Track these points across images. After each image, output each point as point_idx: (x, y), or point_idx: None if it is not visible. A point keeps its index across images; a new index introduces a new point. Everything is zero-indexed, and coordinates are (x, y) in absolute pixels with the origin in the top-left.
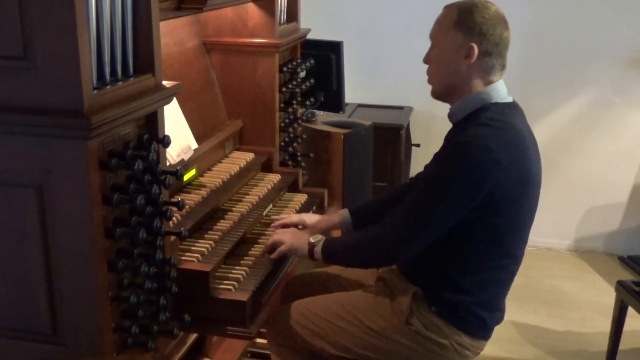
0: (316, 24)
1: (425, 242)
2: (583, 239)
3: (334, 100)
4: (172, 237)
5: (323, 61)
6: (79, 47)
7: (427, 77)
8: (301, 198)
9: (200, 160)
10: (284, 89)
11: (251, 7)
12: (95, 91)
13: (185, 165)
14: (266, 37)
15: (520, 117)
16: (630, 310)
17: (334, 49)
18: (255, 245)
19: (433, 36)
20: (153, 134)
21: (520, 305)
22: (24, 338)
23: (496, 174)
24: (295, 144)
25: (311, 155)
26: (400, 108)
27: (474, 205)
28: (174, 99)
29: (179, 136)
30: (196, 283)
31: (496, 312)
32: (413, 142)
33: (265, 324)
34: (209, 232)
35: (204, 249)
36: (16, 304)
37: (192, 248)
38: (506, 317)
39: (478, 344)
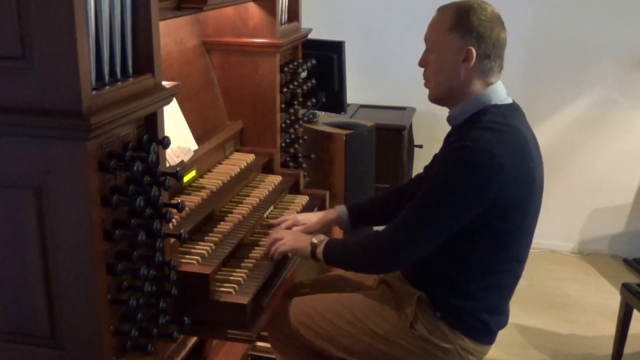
0: (318, 24)
1: (427, 249)
2: (587, 241)
3: (335, 100)
4: (172, 240)
5: (325, 61)
6: (77, 47)
7: (424, 81)
8: (302, 200)
9: (200, 162)
10: (285, 90)
11: (252, 7)
12: (94, 91)
13: (185, 166)
14: (267, 37)
15: (522, 118)
16: (636, 313)
17: (335, 49)
18: (256, 248)
19: (428, 40)
20: (152, 135)
21: (524, 308)
22: (21, 341)
23: (500, 179)
24: (296, 145)
25: (312, 156)
26: (403, 109)
27: (477, 211)
28: (174, 99)
29: (179, 137)
30: (196, 286)
31: (501, 316)
32: (416, 143)
33: (268, 323)
34: (209, 234)
35: (204, 252)
36: (14, 307)
37: (192, 250)
38: (510, 320)
39: (482, 348)
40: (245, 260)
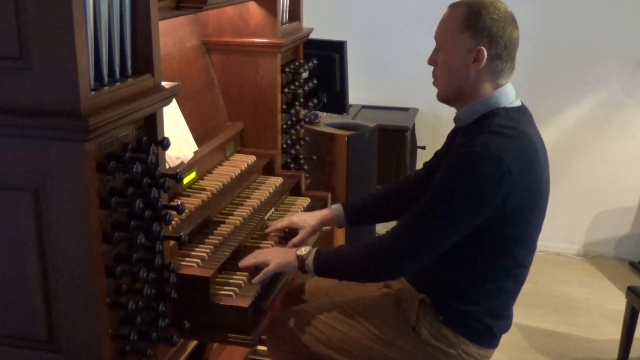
0: (319, 23)
1: (431, 255)
2: (593, 243)
3: (337, 101)
4: (172, 242)
5: (326, 61)
6: (76, 47)
7: (432, 79)
8: (304, 202)
9: (200, 163)
10: (286, 90)
11: (253, 6)
12: (92, 92)
13: (184, 168)
14: (268, 36)
15: (530, 122)
16: None
17: (337, 48)
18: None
19: (438, 38)
20: (152, 136)
21: (529, 312)
22: (19, 345)
23: (508, 186)
24: (297, 146)
25: (314, 157)
26: (406, 109)
27: (483, 217)
28: (174, 100)
29: (179, 138)
30: (196, 289)
31: (504, 320)
32: (418, 144)
33: (266, 329)
34: (209, 236)
35: (204, 254)
36: (11, 310)
37: (192, 253)
38: (514, 323)
39: (486, 352)
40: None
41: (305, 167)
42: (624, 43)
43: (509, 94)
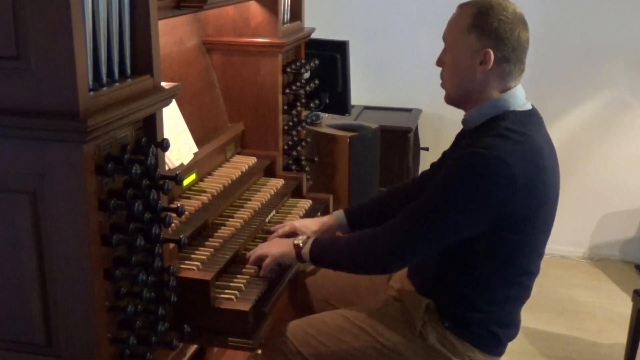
0: (321, 23)
1: (423, 254)
2: (598, 246)
3: (339, 102)
4: (171, 245)
5: (328, 61)
6: (74, 47)
7: (438, 79)
8: (305, 204)
9: (200, 165)
10: (287, 91)
11: (253, 6)
12: (91, 93)
13: (184, 169)
14: (269, 36)
15: (539, 126)
16: None
17: (339, 48)
18: None
19: (446, 38)
20: (151, 137)
21: (534, 315)
22: (16, 349)
23: (511, 190)
24: (299, 148)
25: (316, 159)
26: (409, 110)
27: (483, 222)
28: (173, 100)
29: (179, 139)
30: (196, 292)
31: (511, 329)
32: (422, 145)
33: (263, 345)
34: (210, 239)
35: (204, 257)
36: (9, 314)
37: (192, 256)
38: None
39: (492, 359)
40: (247, 266)
41: (307, 168)
42: (630, 43)
43: (519, 97)
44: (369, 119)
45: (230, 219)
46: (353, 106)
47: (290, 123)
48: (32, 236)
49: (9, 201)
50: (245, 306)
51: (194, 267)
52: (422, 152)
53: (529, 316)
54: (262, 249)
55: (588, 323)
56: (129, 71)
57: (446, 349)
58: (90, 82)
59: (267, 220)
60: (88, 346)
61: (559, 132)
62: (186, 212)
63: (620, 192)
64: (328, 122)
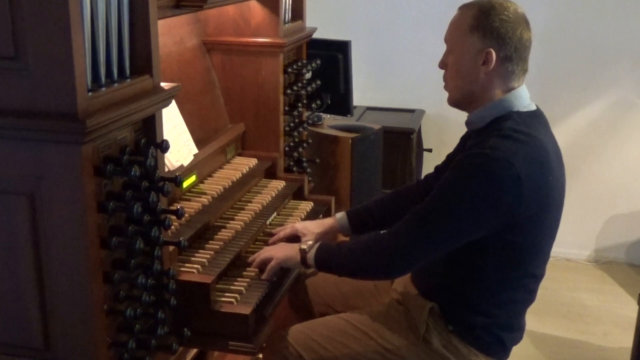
0: (323, 23)
1: (428, 258)
2: (604, 249)
3: (341, 102)
4: (171, 247)
5: (330, 62)
6: (72, 47)
7: (441, 80)
8: (307, 206)
9: (200, 166)
10: (288, 91)
11: (254, 5)
12: (89, 93)
13: (184, 171)
14: (270, 36)
15: (544, 127)
16: None
17: (341, 48)
18: None
19: (448, 40)
20: (151, 139)
21: (539, 319)
22: (14, 353)
23: (516, 192)
24: (300, 149)
25: (317, 160)
26: (412, 111)
27: (489, 223)
28: (173, 101)
29: (178, 141)
30: (196, 295)
31: (515, 332)
32: (425, 147)
33: (264, 349)
34: (210, 241)
35: (204, 260)
36: (6, 318)
37: (192, 259)
38: None
39: None
40: (247, 268)
41: (309, 170)
42: (636, 43)
43: (523, 98)
44: (371, 120)
45: (230, 221)
46: (355, 107)
47: (292, 124)
48: (30, 239)
49: (6, 203)
50: (246, 310)
51: (194, 270)
52: (425, 154)
53: (534, 320)
54: (267, 252)
55: (593, 327)
56: (128, 71)
57: (450, 353)
58: (89, 83)
59: (268, 222)
60: (87, 350)
61: (564, 133)
62: (186, 214)
63: (626, 194)
64: (330, 123)
